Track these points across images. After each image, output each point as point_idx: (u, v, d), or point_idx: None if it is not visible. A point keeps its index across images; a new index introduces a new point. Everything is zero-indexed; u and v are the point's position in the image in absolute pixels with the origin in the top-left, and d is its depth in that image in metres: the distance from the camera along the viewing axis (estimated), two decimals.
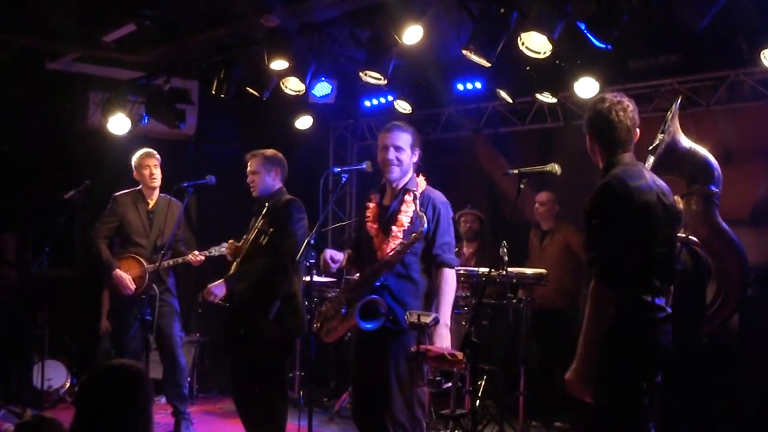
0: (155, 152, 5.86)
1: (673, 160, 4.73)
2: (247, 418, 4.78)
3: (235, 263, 4.79)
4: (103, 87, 7.16)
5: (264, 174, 4.71)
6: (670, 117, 4.82)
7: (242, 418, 4.83)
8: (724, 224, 5.04)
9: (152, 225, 5.77)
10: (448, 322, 3.90)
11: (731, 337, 5.48)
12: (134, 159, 5.83)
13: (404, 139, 4.03)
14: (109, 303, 6.15)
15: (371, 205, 4.17)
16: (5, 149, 7.28)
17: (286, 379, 4.69)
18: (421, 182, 4.11)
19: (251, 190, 4.77)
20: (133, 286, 5.61)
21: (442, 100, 7.44)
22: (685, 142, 4.85)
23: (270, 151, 4.80)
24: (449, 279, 3.94)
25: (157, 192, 5.86)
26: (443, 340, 3.82)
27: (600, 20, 4.51)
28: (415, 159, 4.08)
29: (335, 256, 4.06)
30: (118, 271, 5.61)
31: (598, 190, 3.08)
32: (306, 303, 4.70)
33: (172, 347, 5.76)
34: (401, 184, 4.06)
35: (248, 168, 4.75)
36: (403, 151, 4.01)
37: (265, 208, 4.69)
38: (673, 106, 4.82)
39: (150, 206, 5.81)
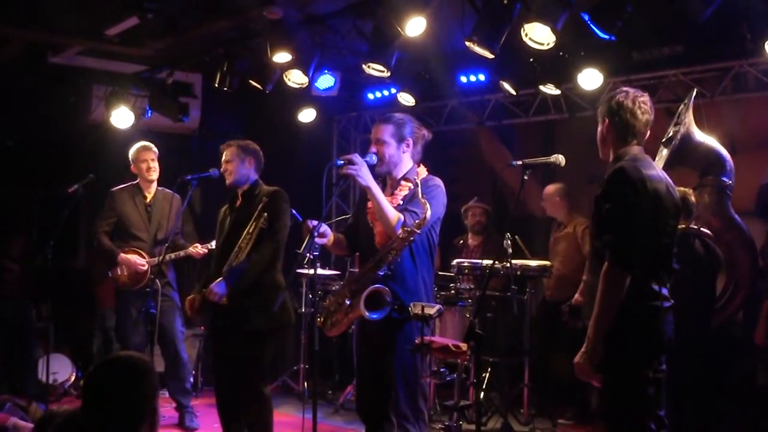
0: (152, 145, 5.85)
1: (686, 152, 4.73)
2: (230, 411, 4.68)
3: (229, 260, 4.59)
4: (107, 81, 7.16)
5: (238, 163, 4.65)
6: (683, 109, 4.81)
7: (223, 411, 4.72)
8: (736, 216, 5.04)
9: (151, 218, 5.78)
10: (373, 188, 3.82)
11: (735, 328, 5.49)
12: (131, 153, 5.83)
13: (386, 131, 3.98)
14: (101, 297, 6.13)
15: None
16: (9, 144, 7.28)
17: (268, 371, 4.64)
18: (422, 171, 4.08)
19: (226, 178, 4.70)
20: (143, 263, 5.63)
21: (446, 92, 7.42)
22: (698, 134, 4.84)
23: (245, 142, 4.75)
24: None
25: (155, 185, 5.85)
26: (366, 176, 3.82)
27: (604, 11, 4.49)
28: (406, 149, 4.01)
29: (325, 230, 3.98)
30: (123, 255, 5.63)
31: (612, 174, 3.07)
32: (310, 296, 4.67)
33: (174, 342, 5.78)
34: (399, 175, 4.03)
35: (223, 158, 4.70)
36: (387, 144, 3.97)
37: (260, 205, 4.56)
38: (687, 98, 4.81)
39: (148, 200, 5.81)
